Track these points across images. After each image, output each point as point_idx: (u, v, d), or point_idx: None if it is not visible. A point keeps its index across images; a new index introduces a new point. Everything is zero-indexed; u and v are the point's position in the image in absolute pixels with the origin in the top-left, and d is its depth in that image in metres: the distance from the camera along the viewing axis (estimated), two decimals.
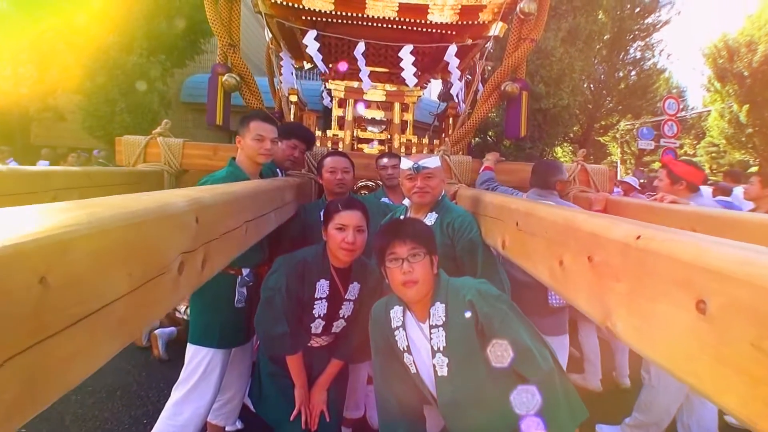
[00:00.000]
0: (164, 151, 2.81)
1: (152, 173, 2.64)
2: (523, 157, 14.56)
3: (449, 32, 3.70)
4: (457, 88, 3.60)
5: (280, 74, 3.67)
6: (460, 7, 3.52)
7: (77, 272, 0.51)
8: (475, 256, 1.83)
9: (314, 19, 3.55)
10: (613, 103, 15.36)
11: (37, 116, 9.67)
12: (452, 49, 3.57)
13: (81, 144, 10.05)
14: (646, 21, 13.91)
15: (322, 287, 1.81)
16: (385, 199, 2.86)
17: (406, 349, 1.51)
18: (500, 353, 1.34)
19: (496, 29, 3.53)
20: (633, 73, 15.19)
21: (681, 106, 15.62)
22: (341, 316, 1.89)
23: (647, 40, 14.41)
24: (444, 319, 1.42)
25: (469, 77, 4.37)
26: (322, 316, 1.83)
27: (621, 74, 14.95)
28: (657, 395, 2.37)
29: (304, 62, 4.59)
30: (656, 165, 22.79)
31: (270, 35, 3.80)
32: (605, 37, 11.66)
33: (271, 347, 1.84)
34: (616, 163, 21.61)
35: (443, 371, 1.42)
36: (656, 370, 2.36)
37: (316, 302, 1.81)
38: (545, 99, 8.53)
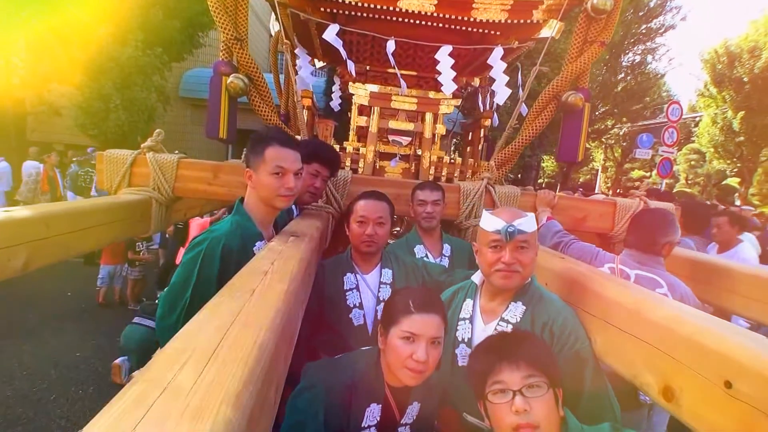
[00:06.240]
0: (154, 172, 2.20)
1: (136, 204, 2.02)
2: (521, 166, 14.00)
3: (493, 32, 3.15)
4: (503, 96, 3.03)
5: (296, 73, 3.05)
6: (511, 2, 2.97)
7: None
8: (582, 374, 1.32)
9: (335, 11, 2.96)
10: (608, 106, 15.08)
11: (33, 110, 9.01)
12: (498, 51, 3.02)
13: (78, 140, 9.48)
14: (650, 25, 13.60)
15: (373, 413, 1.32)
16: (420, 247, 2.29)
17: None
18: None
19: (553, 30, 2.99)
20: (630, 77, 14.93)
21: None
22: None
23: (648, 44, 14.11)
24: None
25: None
26: None
27: (619, 77, 14.66)
28: None
29: (316, 60, 3.97)
30: (635, 173, 22.63)
31: (276, 28, 3.18)
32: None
33: None
34: (597, 170, 21.35)
35: None
36: None
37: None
38: None
